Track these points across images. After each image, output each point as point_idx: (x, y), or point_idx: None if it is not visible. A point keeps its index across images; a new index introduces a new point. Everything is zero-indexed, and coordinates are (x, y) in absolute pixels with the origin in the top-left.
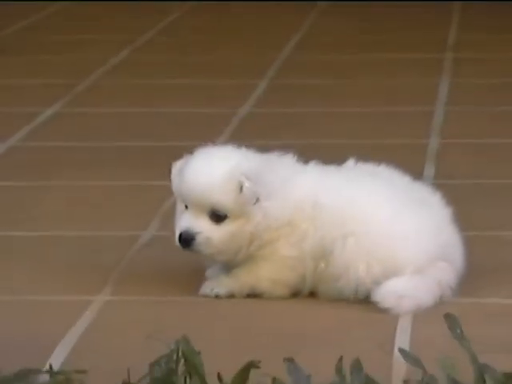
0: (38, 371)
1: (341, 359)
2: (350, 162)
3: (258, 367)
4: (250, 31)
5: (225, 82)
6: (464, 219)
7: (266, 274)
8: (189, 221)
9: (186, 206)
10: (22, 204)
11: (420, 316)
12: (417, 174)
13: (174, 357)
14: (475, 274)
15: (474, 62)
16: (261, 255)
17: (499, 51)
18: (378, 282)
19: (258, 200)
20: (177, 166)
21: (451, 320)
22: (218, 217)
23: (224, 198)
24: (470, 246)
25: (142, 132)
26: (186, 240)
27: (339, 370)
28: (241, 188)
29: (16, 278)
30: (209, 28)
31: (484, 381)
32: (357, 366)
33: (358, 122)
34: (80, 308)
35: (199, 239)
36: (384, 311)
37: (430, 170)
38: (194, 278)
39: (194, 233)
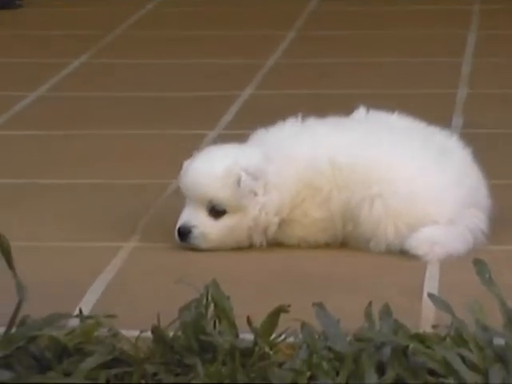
0: (69, 315)
1: (370, 304)
2: (361, 112)
3: (287, 311)
4: None
5: (253, 32)
6: (491, 168)
7: (298, 234)
8: (188, 215)
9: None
10: (50, 152)
11: (449, 262)
12: (445, 123)
13: (204, 301)
14: (504, 222)
15: (501, 14)
16: (291, 218)
17: None
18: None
19: (255, 194)
20: (184, 165)
21: (480, 265)
22: (216, 212)
23: (222, 193)
24: (498, 194)
25: (170, 83)
26: (183, 233)
27: (369, 315)
28: (238, 183)
29: (45, 225)
30: None
31: None
32: (386, 311)
33: (386, 71)
34: (109, 254)
35: (195, 233)
36: (414, 258)
37: (457, 119)
38: None
39: (191, 226)
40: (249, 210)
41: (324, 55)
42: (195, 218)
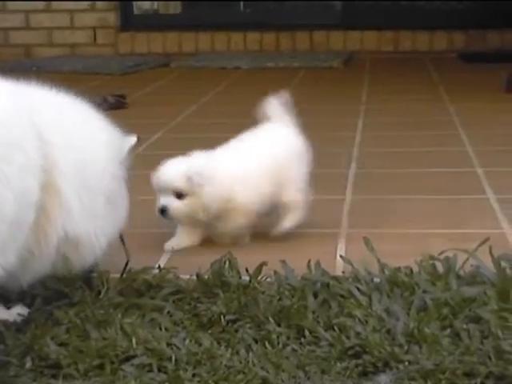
0: (152, 267)
1: (309, 261)
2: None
3: (266, 265)
4: None
5: None
6: None
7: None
8: (163, 200)
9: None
10: None
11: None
12: None
13: (223, 259)
14: None
15: None
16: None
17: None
18: None
19: (202, 185)
20: (159, 168)
21: (366, 240)
22: (180, 195)
23: (181, 184)
24: None
25: None
26: (163, 211)
27: (309, 266)
28: (191, 178)
29: None
30: None
31: None
32: (318, 264)
33: None
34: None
35: (170, 210)
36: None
37: None
38: None
39: (166, 206)
40: (199, 195)
41: None
42: (168, 201)
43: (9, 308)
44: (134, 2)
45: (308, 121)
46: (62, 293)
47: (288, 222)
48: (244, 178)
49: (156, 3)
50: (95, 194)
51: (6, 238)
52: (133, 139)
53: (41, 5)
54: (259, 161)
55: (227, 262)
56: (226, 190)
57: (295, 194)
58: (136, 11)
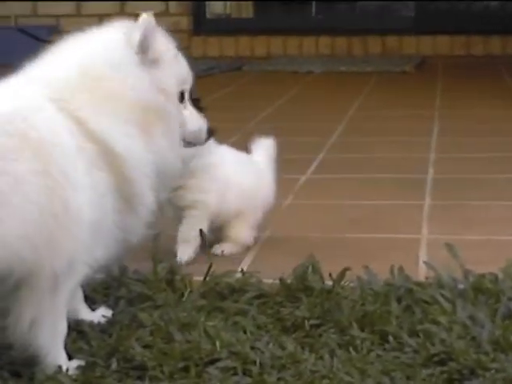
0: (235, 271)
1: (392, 267)
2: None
3: (350, 270)
4: None
5: None
6: None
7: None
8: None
9: None
10: None
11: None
12: None
13: (306, 264)
14: None
15: None
16: None
17: None
18: None
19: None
20: None
21: (450, 246)
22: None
23: None
24: None
25: None
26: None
27: (392, 271)
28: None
29: None
30: None
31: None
32: (401, 270)
33: None
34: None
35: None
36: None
37: None
38: None
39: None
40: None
41: None
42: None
43: (93, 310)
44: (207, 7)
45: (382, 126)
46: (146, 295)
47: (228, 248)
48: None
49: (228, 7)
50: None
51: (86, 240)
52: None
53: (113, 8)
54: (237, 179)
55: (310, 267)
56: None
57: (246, 230)
58: (208, 15)
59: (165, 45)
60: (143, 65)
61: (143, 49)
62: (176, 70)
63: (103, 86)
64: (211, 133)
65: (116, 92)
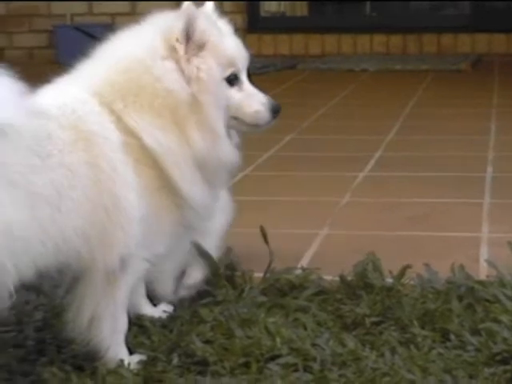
0: (295, 268)
1: (453, 265)
2: None
3: (410, 268)
4: None
5: None
6: None
7: None
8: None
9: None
10: None
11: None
12: None
13: (366, 262)
14: None
15: None
16: None
17: None
18: None
19: None
20: None
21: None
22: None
23: None
24: None
25: None
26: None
27: (452, 270)
28: None
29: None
30: None
31: None
32: (461, 268)
33: None
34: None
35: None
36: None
37: None
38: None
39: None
40: None
41: None
42: None
43: (155, 305)
44: (261, 6)
45: (439, 124)
46: (206, 291)
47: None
48: None
49: (283, 6)
50: None
51: (138, 236)
52: None
53: (169, 5)
54: None
55: (370, 264)
56: None
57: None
58: (263, 14)
59: (208, 30)
60: (186, 54)
61: (187, 37)
62: (221, 53)
63: (132, 79)
64: (277, 110)
65: (144, 85)
